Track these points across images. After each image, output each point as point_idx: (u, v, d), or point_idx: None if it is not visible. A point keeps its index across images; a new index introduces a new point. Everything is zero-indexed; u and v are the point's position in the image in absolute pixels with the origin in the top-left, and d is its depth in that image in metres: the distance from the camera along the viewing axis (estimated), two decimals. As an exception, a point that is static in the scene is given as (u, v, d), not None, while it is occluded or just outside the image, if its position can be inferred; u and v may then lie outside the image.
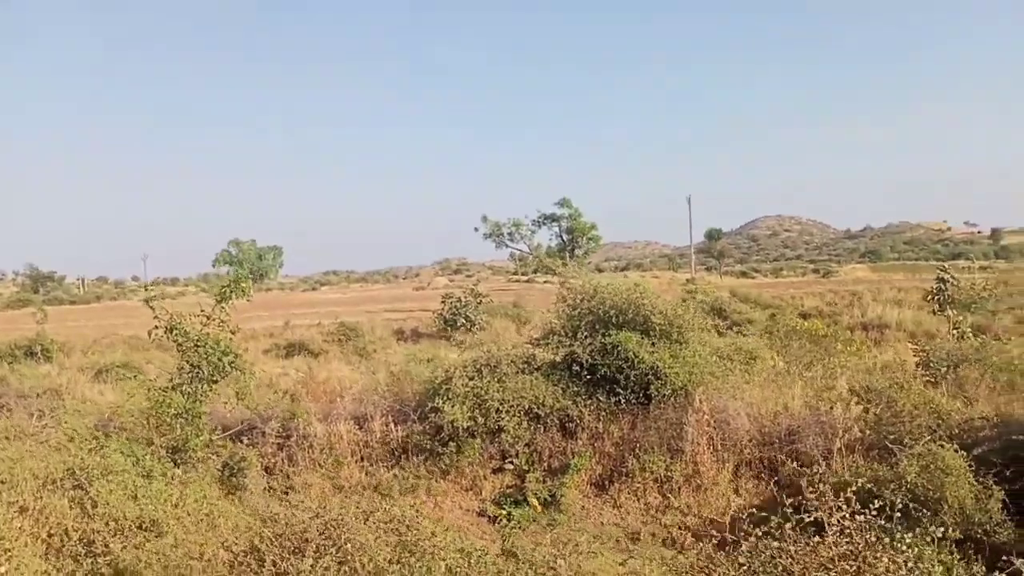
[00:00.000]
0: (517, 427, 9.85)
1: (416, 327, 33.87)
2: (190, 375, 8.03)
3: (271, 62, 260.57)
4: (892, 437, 8.20)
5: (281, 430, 10.91)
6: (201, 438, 7.62)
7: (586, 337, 10.25)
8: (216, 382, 8.18)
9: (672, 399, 9.83)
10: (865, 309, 30.23)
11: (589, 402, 10.06)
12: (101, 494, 5.27)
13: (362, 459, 10.69)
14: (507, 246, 36.49)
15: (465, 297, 30.46)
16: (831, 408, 9.70)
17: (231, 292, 8.48)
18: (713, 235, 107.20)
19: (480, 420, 9.81)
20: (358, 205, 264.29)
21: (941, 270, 18.80)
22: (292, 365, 22.49)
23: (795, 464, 9.14)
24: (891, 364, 17.17)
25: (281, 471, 10.73)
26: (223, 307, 8.30)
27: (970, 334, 16.75)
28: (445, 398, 9.93)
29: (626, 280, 11.58)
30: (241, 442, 10.19)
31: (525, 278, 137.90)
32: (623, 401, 10.00)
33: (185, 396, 7.72)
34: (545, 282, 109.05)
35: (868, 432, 8.92)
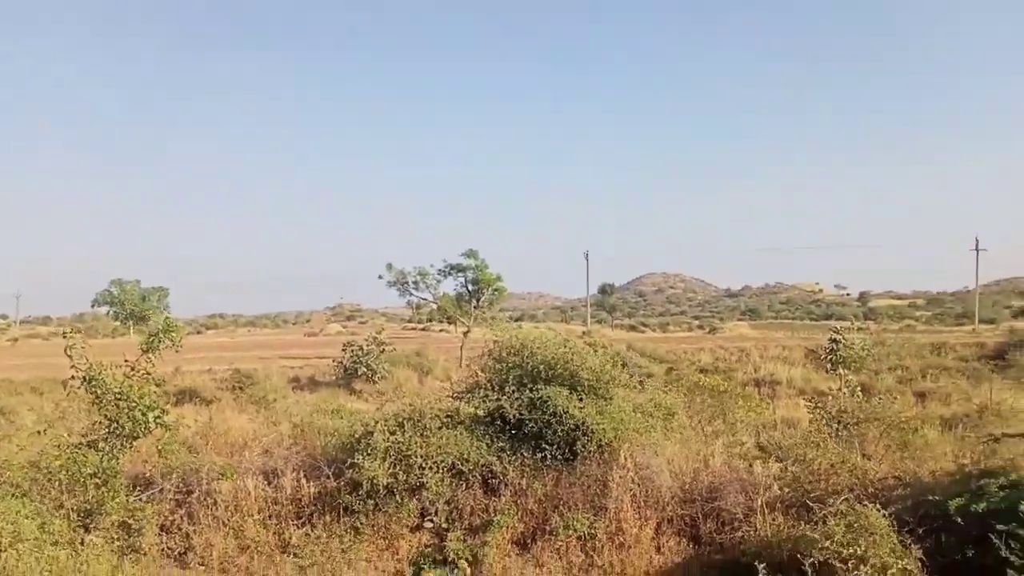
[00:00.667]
0: (439, 484, 9.55)
1: (313, 375, 32.89)
2: (108, 430, 7.32)
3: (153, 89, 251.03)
4: (813, 495, 8.43)
5: (182, 485, 10.17)
6: (118, 500, 6.93)
7: (514, 391, 10.14)
8: (137, 439, 7.50)
9: (598, 455, 9.82)
10: (757, 366, 31.60)
11: (514, 458, 9.89)
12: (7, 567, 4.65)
13: (270, 517, 10.09)
14: (412, 295, 35.89)
15: (367, 345, 29.82)
16: (750, 465, 9.92)
17: (158, 341, 7.83)
18: (606, 289, 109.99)
19: (401, 476, 9.46)
20: (246, 246, 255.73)
21: (835, 331, 19.86)
22: (184, 414, 21.21)
23: (717, 523, 9.31)
24: (790, 420, 17.92)
25: (179, 530, 9.99)
26: (150, 357, 7.65)
27: (859, 392, 17.69)
28: (365, 453, 9.53)
29: (554, 334, 11.57)
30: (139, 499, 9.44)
31: (421, 326, 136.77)
32: (548, 457, 9.89)
33: (100, 453, 7.02)
34: (441, 330, 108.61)
35: (787, 490, 9.14)
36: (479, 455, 9.74)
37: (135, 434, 7.49)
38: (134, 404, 7.46)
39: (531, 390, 10.05)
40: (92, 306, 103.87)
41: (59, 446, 7.19)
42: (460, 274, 34.42)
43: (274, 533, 9.91)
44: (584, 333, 47.50)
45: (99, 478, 6.91)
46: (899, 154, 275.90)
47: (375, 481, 9.34)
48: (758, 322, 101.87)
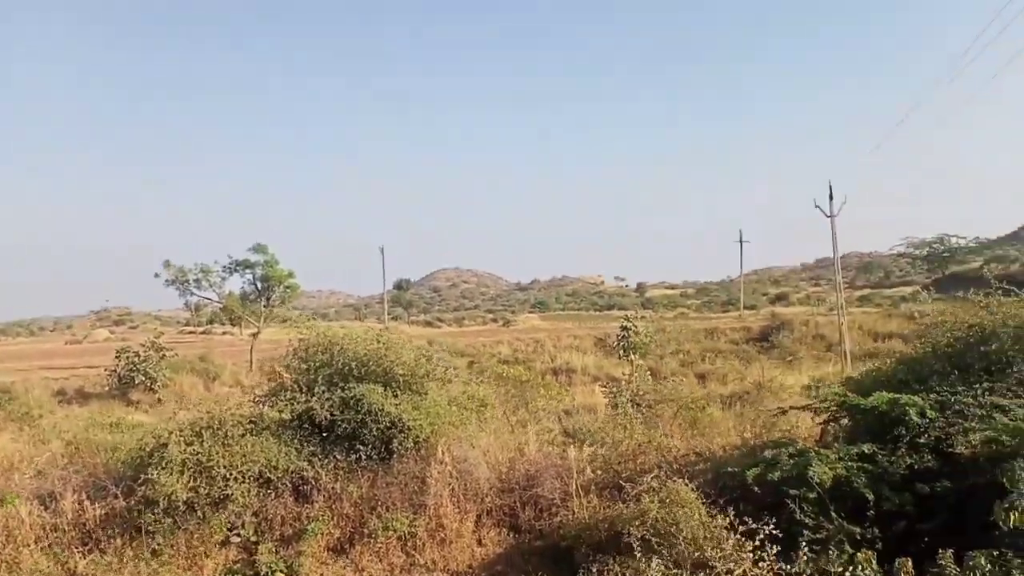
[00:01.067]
0: (245, 495, 8.85)
1: (82, 386, 29.61)
2: None
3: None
4: (624, 476, 8.76)
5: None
6: None
7: (324, 391, 9.61)
8: None
9: (415, 452, 9.58)
10: (552, 355, 32.80)
11: (326, 461, 9.40)
12: None
13: (51, 545, 8.84)
14: (193, 294, 33.20)
15: (144, 351, 27.25)
16: (564, 451, 10.14)
17: None
18: (402, 286, 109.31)
19: (203, 490, 8.64)
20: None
21: (626, 319, 21.02)
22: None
23: (535, 510, 9.43)
24: (589, 406, 18.73)
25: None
26: None
27: (648, 376, 18.90)
28: (160, 467, 8.58)
29: (365, 329, 11.13)
30: None
31: (200, 329, 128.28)
32: (363, 458, 9.50)
33: None
34: (224, 333, 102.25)
35: (600, 472, 9.45)
36: (288, 461, 9.15)
37: None
38: None
39: (343, 389, 9.60)
40: None
41: None
42: (248, 271, 32.39)
43: (57, 562, 8.69)
44: (383, 330, 46.81)
45: None
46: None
47: (173, 497, 8.48)
48: (547, 314, 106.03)
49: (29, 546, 8.59)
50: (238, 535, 9.05)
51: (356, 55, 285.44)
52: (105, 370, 27.52)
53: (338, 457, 9.47)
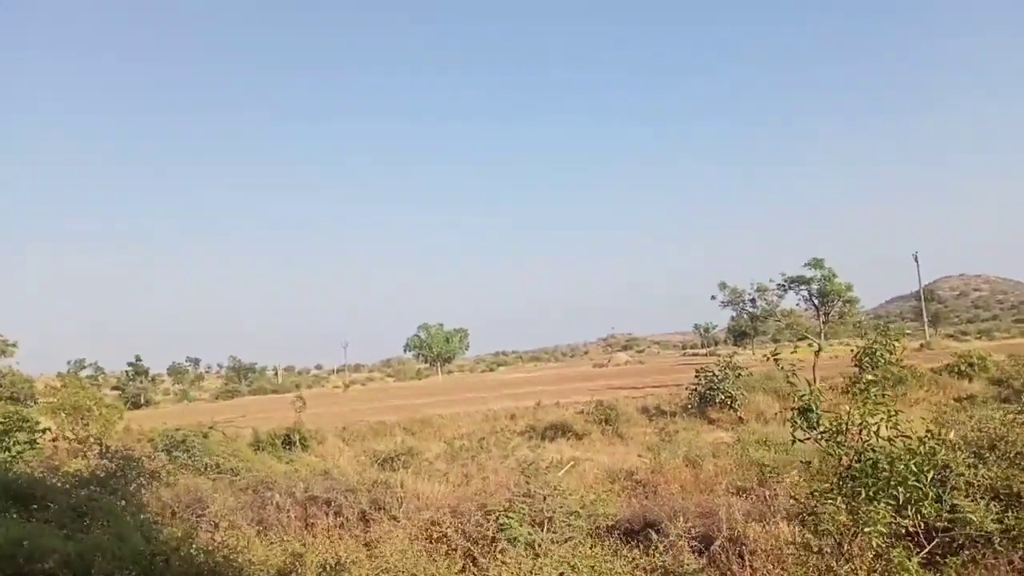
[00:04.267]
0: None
1: (657, 404, 31.60)
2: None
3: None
4: None
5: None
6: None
7: None
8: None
9: None
10: None
11: None
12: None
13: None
14: (748, 313, 33.33)
15: (720, 370, 27.87)
16: None
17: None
18: (928, 296, 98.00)
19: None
20: (523, 283, 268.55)
21: None
22: (578, 448, 20.74)
23: None
24: None
25: None
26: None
27: None
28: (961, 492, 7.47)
29: None
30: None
31: (704, 351, 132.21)
32: None
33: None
34: (733, 354, 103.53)
35: None
36: None
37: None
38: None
39: None
40: (404, 350, 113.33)
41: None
42: (803, 287, 31.32)
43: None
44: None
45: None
46: None
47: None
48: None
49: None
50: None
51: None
52: (686, 388, 28.87)
53: None
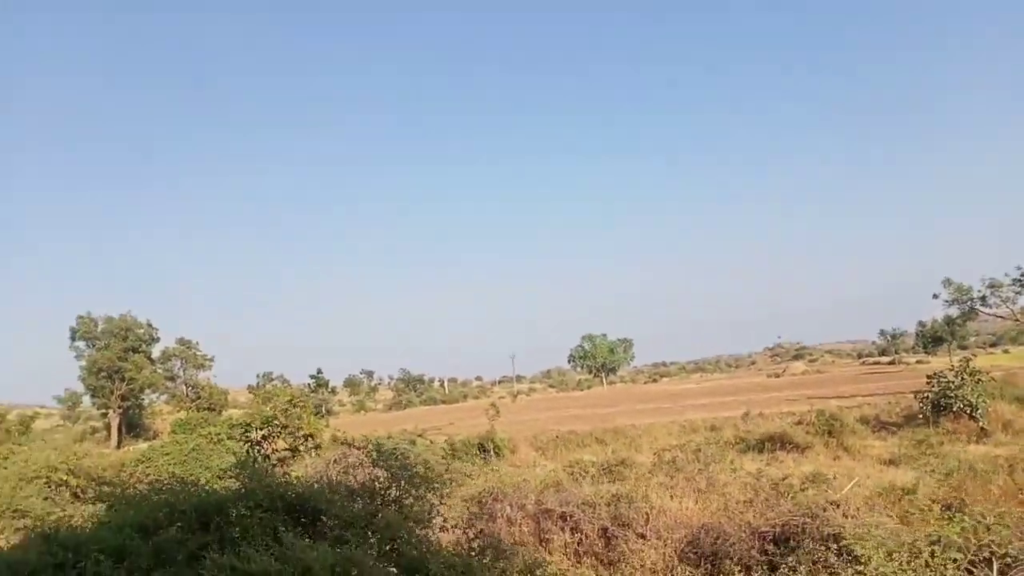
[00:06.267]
0: None
1: (876, 415, 28.52)
2: None
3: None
4: None
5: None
6: None
7: None
8: None
9: None
10: None
11: None
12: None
13: None
14: (979, 312, 29.50)
15: (956, 375, 24.56)
16: None
17: None
18: None
19: None
20: (681, 292, 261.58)
21: None
22: (802, 462, 18.63)
23: None
24: None
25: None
26: None
27: None
28: None
29: None
30: None
31: (887, 359, 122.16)
32: None
33: None
34: (918, 362, 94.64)
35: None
36: None
37: None
38: None
39: None
40: (568, 361, 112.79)
41: None
42: (1044, 283, 27.24)
43: None
44: None
45: None
46: None
47: None
48: None
49: None
50: None
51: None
52: (916, 396, 25.76)
53: None
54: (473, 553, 5.67)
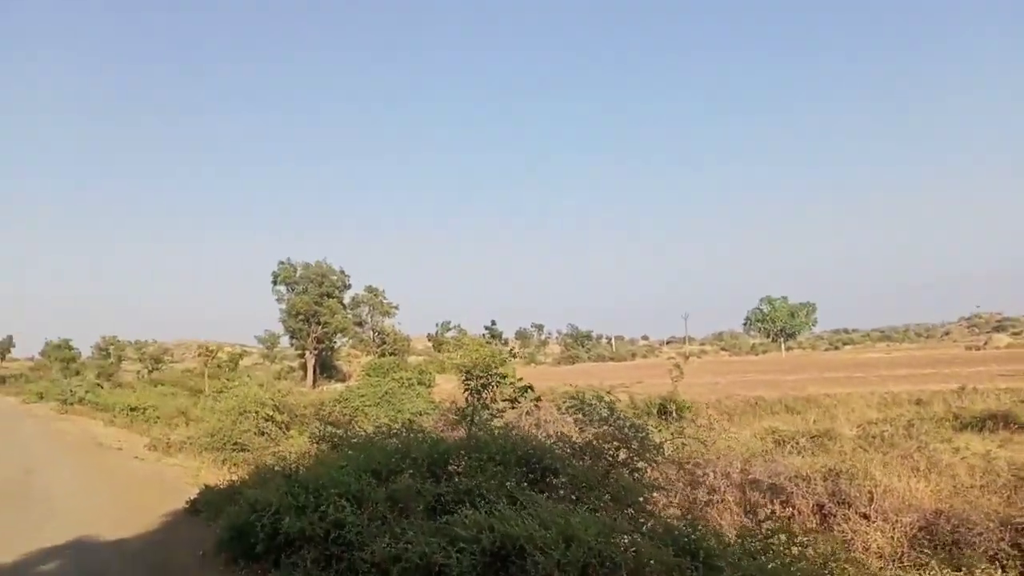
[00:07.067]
0: None
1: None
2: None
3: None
4: None
5: None
6: None
7: None
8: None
9: None
10: None
11: None
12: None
13: None
14: None
15: None
16: None
17: None
18: None
19: None
20: (867, 255, 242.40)
21: None
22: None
23: None
24: None
25: None
26: None
27: None
28: None
29: None
30: None
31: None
32: None
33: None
34: None
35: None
36: None
37: None
38: None
39: None
40: (744, 324, 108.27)
41: None
42: None
43: None
44: None
45: None
46: None
47: None
48: None
49: None
50: None
51: None
52: None
53: None
54: (767, 538, 5.26)
